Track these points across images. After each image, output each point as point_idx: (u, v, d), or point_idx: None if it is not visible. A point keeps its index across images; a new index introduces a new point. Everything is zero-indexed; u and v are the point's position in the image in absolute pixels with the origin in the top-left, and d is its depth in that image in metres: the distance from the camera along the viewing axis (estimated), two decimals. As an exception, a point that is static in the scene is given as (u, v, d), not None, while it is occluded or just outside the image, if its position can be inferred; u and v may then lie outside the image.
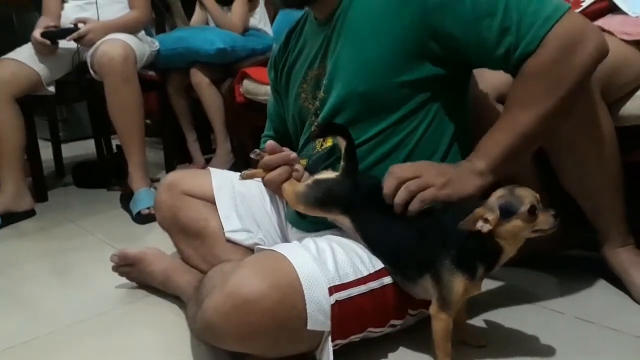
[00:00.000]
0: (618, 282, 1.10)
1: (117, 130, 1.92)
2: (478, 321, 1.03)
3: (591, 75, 0.88)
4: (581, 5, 1.09)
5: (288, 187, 0.97)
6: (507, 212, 0.78)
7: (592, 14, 1.09)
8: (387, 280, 0.89)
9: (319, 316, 0.79)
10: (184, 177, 1.20)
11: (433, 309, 0.84)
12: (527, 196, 0.78)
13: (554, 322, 1.02)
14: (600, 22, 1.07)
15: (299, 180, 0.99)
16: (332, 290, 0.82)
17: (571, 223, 1.18)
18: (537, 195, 0.79)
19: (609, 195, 1.06)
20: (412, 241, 0.86)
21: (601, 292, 1.12)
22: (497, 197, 0.80)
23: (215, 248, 1.10)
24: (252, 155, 1.04)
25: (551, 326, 1.00)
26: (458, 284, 0.81)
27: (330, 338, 0.81)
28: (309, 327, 0.78)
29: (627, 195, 1.07)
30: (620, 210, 1.08)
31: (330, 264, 0.85)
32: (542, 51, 0.81)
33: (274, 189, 0.99)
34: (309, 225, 1.02)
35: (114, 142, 2.39)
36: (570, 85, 0.82)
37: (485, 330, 1.00)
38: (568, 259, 1.25)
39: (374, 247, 0.90)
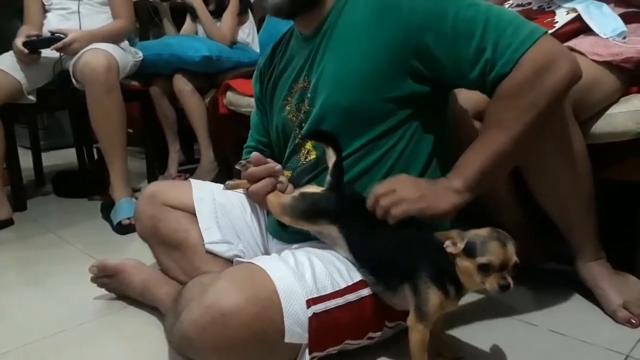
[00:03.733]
0: (590, 295, 1.13)
1: (99, 140, 1.91)
2: (455, 332, 1.04)
3: (564, 98, 0.90)
4: (554, 27, 1.12)
5: (274, 199, 0.99)
6: (467, 250, 0.79)
7: (565, 35, 1.13)
8: (365, 292, 0.91)
9: (296, 329, 0.80)
10: (165, 188, 1.20)
11: (410, 320, 0.85)
12: (494, 252, 0.77)
13: (528, 334, 1.05)
14: (572, 43, 1.11)
15: (283, 191, 1.01)
16: (310, 302, 0.83)
17: (547, 237, 1.22)
18: (511, 260, 0.77)
19: (581, 212, 1.09)
20: (394, 250, 0.88)
21: (574, 304, 1.15)
22: (476, 233, 0.81)
23: (195, 260, 1.10)
24: (237, 167, 1.05)
25: (525, 338, 1.03)
26: (434, 297, 0.83)
27: (307, 350, 0.82)
28: (287, 339, 0.79)
29: (598, 211, 1.10)
30: (592, 226, 1.11)
31: (309, 276, 0.86)
32: (516, 73, 0.84)
33: (258, 200, 1.00)
34: (290, 236, 1.03)
35: (96, 151, 2.37)
36: (543, 107, 0.85)
37: (461, 342, 1.01)
38: (543, 272, 1.27)
39: (359, 256, 0.91)
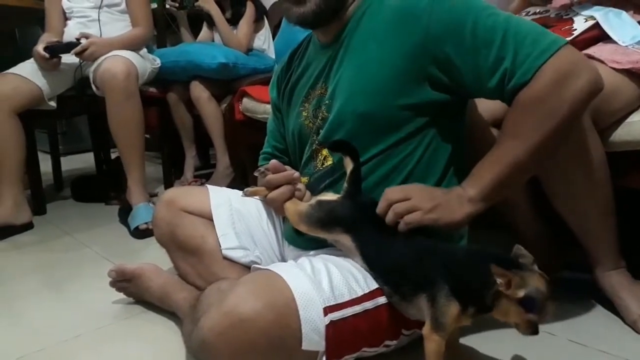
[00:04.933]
0: (610, 304, 1.11)
1: (118, 145, 1.94)
2: (470, 341, 1.04)
3: (585, 109, 0.89)
4: (572, 34, 1.11)
5: (291, 207, 0.99)
6: (525, 303, 0.77)
7: (583, 42, 1.12)
8: (382, 300, 0.90)
9: (313, 336, 0.80)
10: (182, 194, 1.22)
11: (426, 330, 0.85)
12: (549, 310, 0.78)
13: (546, 344, 1.03)
14: (591, 51, 1.10)
15: (300, 199, 1.01)
16: (327, 310, 0.83)
17: (565, 246, 1.21)
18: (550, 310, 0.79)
19: (600, 220, 1.08)
20: (411, 260, 0.87)
21: (594, 314, 1.13)
22: (536, 285, 0.78)
23: (212, 265, 1.11)
24: (255, 174, 1.06)
25: (544, 348, 1.01)
26: (452, 310, 0.82)
27: (324, 358, 0.82)
28: (304, 347, 0.79)
29: (618, 220, 1.09)
30: (612, 235, 1.09)
31: (326, 284, 0.86)
32: (536, 82, 0.83)
33: (276, 208, 1.01)
34: (306, 243, 1.03)
35: (113, 155, 2.40)
36: (562, 118, 0.84)
37: (477, 352, 1.01)
38: (560, 281, 1.26)
39: (373, 266, 0.91)
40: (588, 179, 1.03)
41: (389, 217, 0.87)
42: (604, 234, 1.09)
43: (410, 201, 0.87)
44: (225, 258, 1.10)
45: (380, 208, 0.89)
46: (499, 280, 0.78)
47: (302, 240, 1.05)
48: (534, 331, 0.78)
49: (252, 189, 1.07)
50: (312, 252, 1.02)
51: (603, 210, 1.07)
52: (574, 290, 1.22)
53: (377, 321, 0.90)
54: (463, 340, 1.02)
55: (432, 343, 0.84)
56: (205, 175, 2.52)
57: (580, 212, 1.08)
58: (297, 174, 1.01)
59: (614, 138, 1.07)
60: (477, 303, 0.82)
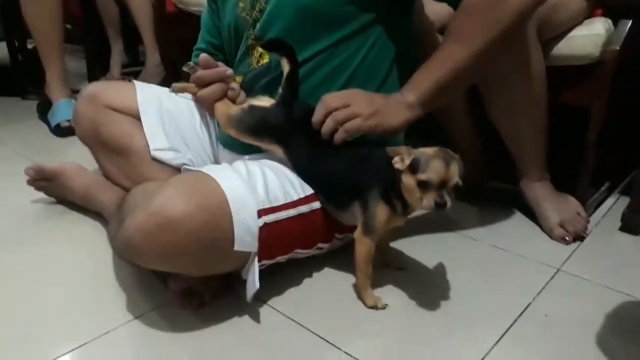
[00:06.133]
0: (532, 214, 1.18)
1: (33, 35, 1.75)
2: (400, 245, 1.07)
3: (529, 18, 0.88)
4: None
5: (221, 108, 0.94)
6: (412, 167, 0.77)
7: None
8: (317, 205, 0.90)
9: (246, 237, 0.78)
10: (106, 89, 1.12)
11: (357, 234, 0.86)
12: (435, 170, 0.75)
13: (470, 248, 1.09)
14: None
15: (234, 99, 0.96)
16: (261, 213, 0.81)
17: (495, 157, 1.25)
18: (452, 180, 0.76)
19: (533, 133, 1.11)
20: (344, 170, 0.86)
21: (516, 222, 1.20)
22: (423, 151, 0.79)
23: (140, 166, 1.05)
24: (184, 68, 0.98)
25: (467, 253, 1.07)
26: (381, 212, 0.83)
27: (256, 258, 0.81)
28: (236, 247, 0.78)
29: (549, 134, 1.12)
30: (541, 148, 1.13)
31: (261, 187, 0.84)
32: None
33: (207, 107, 0.95)
34: (242, 147, 0.99)
35: (31, 45, 2.18)
36: (507, 24, 0.82)
37: (405, 255, 1.04)
38: (489, 191, 1.31)
39: (306, 177, 0.90)
40: (527, 90, 1.03)
41: (328, 125, 0.85)
42: (535, 148, 1.13)
43: (350, 108, 0.84)
44: (154, 159, 1.04)
45: (317, 116, 0.86)
46: (394, 159, 0.78)
47: (237, 144, 1.00)
48: (435, 202, 0.75)
49: (180, 84, 0.99)
50: (247, 157, 0.99)
51: (537, 124, 1.09)
52: (501, 199, 1.27)
53: (311, 225, 0.90)
54: (393, 244, 1.05)
55: (363, 246, 0.85)
56: (133, 72, 2.35)
57: (515, 124, 1.10)
58: (230, 71, 0.95)
59: (555, 52, 1.07)
60: (400, 198, 0.82)
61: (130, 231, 0.74)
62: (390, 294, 0.91)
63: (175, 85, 0.98)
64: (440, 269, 1.00)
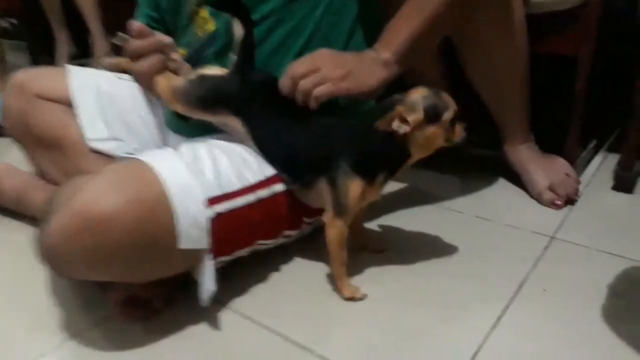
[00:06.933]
0: (517, 180, 1.09)
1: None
2: (377, 224, 0.97)
3: None
4: None
5: (163, 81, 0.82)
6: (432, 116, 0.70)
7: None
8: (279, 188, 0.79)
9: (193, 232, 0.67)
10: (36, 76, 0.98)
11: (327, 216, 0.75)
12: (452, 103, 0.72)
13: (454, 222, 0.99)
14: None
15: (176, 72, 0.83)
16: (212, 201, 0.70)
17: (473, 121, 1.15)
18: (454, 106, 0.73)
19: (514, 88, 1.01)
20: (309, 142, 0.76)
21: (500, 190, 1.10)
22: (421, 95, 0.71)
23: (78, 161, 0.92)
24: (114, 41, 0.87)
25: (451, 226, 0.97)
26: (354, 188, 0.73)
27: (211, 256, 0.70)
28: (181, 246, 0.66)
29: (530, 91, 1.03)
30: (524, 105, 1.04)
31: (209, 172, 0.72)
32: None
33: (147, 85, 0.83)
34: (191, 129, 0.87)
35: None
36: None
37: (385, 235, 0.94)
38: (469, 159, 1.21)
39: (268, 152, 0.79)
40: (506, 42, 0.94)
41: (298, 98, 0.76)
42: (516, 104, 1.04)
43: (318, 74, 0.75)
44: (94, 151, 0.91)
45: (284, 87, 0.76)
46: (394, 126, 0.70)
47: (186, 126, 0.89)
48: (463, 134, 0.75)
49: (111, 59, 0.87)
50: (196, 139, 0.87)
51: (517, 77, 1.00)
52: (482, 167, 1.18)
53: (274, 210, 0.79)
54: (369, 223, 0.95)
55: (334, 229, 0.75)
56: (83, 64, 2.19)
57: (494, 78, 1.00)
58: (168, 39, 0.83)
59: (535, -2, 0.98)
60: (385, 164, 0.74)
61: (52, 236, 0.62)
62: (370, 282, 0.81)
63: (103, 59, 0.86)
64: (423, 247, 0.90)
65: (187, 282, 0.75)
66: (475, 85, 1.02)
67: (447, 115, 0.71)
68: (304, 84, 0.74)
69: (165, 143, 1.00)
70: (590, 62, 1.01)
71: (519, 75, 1.00)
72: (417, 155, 0.74)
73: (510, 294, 0.78)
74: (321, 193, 0.76)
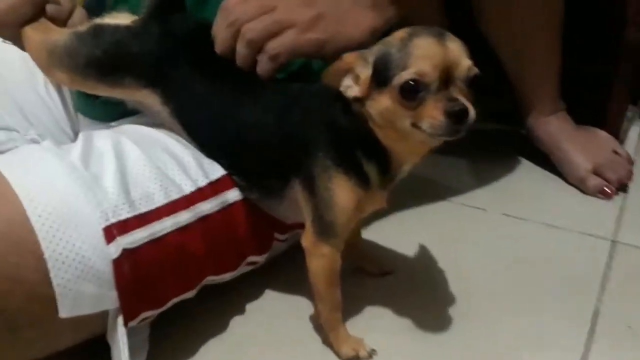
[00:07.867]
0: (546, 161, 0.87)
1: None
2: (377, 232, 0.71)
3: None
4: None
5: (34, 35, 0.59)
6: (378, 75, 0.44)
7: None
8: (234, 195, 0.54)
9: (84, 288, 0.40)
10: None
11: (307, 239, 0.49)
12: (428, 55, 0.42)
13: (476, 222, 0.78)
14: None
15: (59, 20, 0.61)
16: (116, 230, 0.42)
17: (487, 91, 0.91)
18: (460, 65, 0.43)
19: (544, 38, 0.82)
20: (264, 122, 0.52)
21: (527, 177, 0.90)
22: (387, 40, 0.45)
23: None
24: None
25: (474, 229, 0.76)
26: (342, 193, 0.47)
27: (122, 320, 0.43)
28: (64, 314, 0.39)
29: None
30: (555, 60, 0.85)
31: (111, 181, 0.45)
32: None
33: (11, 37, 0.61)
34: (102, 110, 0.65)
35: None
36: None
37: (390, 249, 0.69)
38: (483, 136, 0.97)
39: (204, 143, 0.54)
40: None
41: (240, 54, 0.53)
42: (546, 59, 0.85)
43: (271, 14, 0.52)
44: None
45: (219, 36, 0.54)
46: (343, 84, 0.46)
47: (95, 107, 0.66)
48: (447, 112, 0.41)
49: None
50: (114, 124, 0.63)
51: (549, 24, 0.81)
52: (502, 146, 0.96)
53: (229, 230, 0.54)
54: (367, 233, 0.69)
55: (320, 259, 0.50)
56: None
57: (518, 27, 0.81)
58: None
59: None
60: (372, 153, 0.48)
61: None
62: (377, 326, 0.55)
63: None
64: (442, 264, 0.65)
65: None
66: (490, 36, 0.81)
67: (404, 75, 0.42)
68: (250, 30, 0.51)
69: (75, 130, 0.75)
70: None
71: (550, 21, 0.79)
72: (391, 145, 0.47)
73: (583, 329, 0.55)
74: (293, 202, 0.51)
